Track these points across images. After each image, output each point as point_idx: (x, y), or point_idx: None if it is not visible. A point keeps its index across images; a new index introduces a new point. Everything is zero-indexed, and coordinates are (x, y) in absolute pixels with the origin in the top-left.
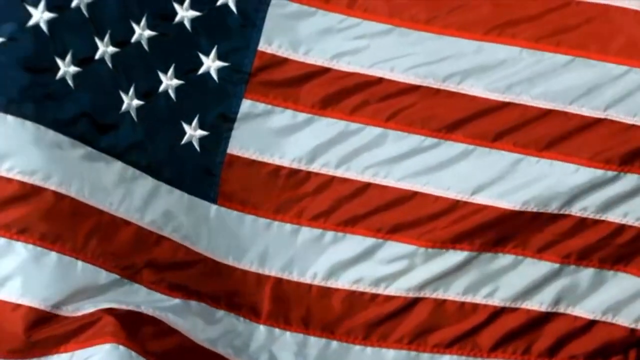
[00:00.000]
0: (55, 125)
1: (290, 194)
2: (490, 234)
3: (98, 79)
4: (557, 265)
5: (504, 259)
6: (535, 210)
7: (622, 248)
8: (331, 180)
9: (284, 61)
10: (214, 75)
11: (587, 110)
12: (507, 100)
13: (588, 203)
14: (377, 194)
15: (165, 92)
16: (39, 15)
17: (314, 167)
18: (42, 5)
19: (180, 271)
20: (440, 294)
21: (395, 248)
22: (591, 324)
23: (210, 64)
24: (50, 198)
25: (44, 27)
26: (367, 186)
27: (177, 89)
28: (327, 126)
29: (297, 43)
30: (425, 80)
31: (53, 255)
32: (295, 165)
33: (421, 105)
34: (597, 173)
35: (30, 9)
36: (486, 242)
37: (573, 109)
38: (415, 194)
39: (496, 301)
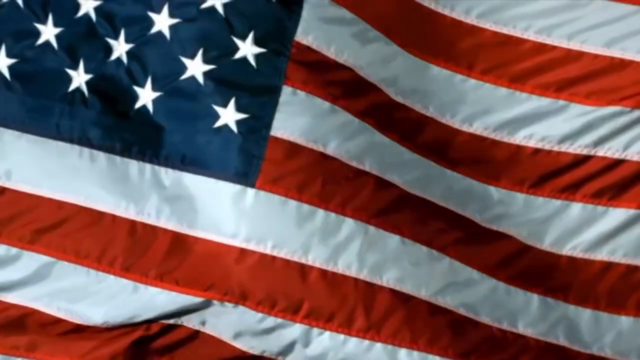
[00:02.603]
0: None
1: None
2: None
3: (111, 80)
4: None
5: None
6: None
7: (613, 287)
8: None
9: (318, 55)
10: (252, 62)
11: (575, 148)
12: (497, 138)
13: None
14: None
15: (192, 77)
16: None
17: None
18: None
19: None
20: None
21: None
22: None
23: (248, 49)
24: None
25: (53, 42)
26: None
27: (207, 74)
28: (359, 125)
29: (330, 41)
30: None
31: None
32: (337, 155)
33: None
34: (587, 208)
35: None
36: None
37: (563, 147)
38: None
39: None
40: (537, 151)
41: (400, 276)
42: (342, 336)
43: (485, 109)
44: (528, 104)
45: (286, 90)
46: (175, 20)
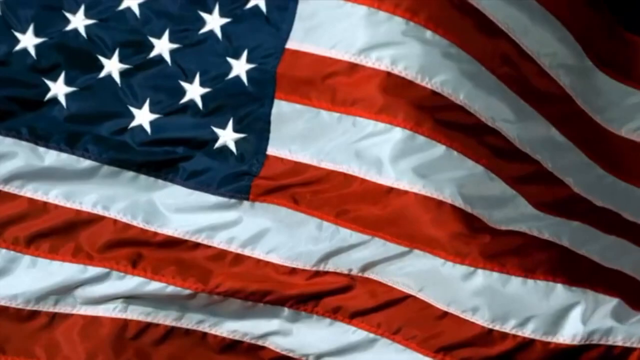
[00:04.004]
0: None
1: (325, 193)
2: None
3: (100, 96)
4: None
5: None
6: None
7: None
8: (361, 182)
9: (312, 58)
10: (244, 79)
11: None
12: None
13: None
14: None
15: (191, 101)
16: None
17: (346, 169)
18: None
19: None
20: (469, 316)
21: (424, 258)
22: (627, 351)
23: (241, 67)
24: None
25: (31, 51)
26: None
27: (205, 97)
28: (353, 125)
29: (326, 38)
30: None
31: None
32: (328, 166)
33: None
34: None
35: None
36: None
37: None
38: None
39: (527, 332)
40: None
41: None
42: None
43: None
44: None
45: (278, 104)
46: (176, 46)
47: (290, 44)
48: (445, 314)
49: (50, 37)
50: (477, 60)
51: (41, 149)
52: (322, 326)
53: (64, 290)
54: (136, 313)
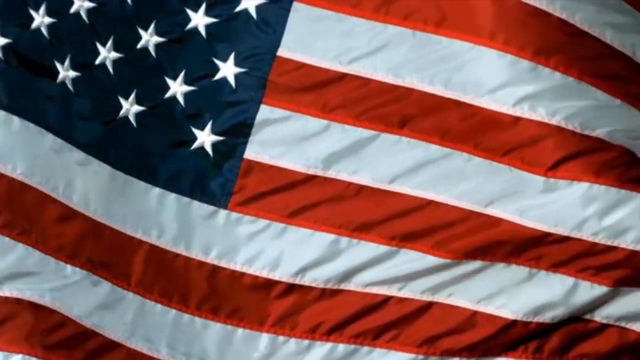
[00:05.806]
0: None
1: (306, 199)
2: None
3: (97, 84)
4: (571, 280)
5: (518, 271)
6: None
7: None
8: (347, 186)
9: (302, 67)
10: (232, 82)
11: None
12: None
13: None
14: (391, 202)
15: (173, 98)
16: (40, 20)
17: (330, 174)
18: (42, 9)
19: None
20: (453, 300)
21: (408, 256)
22: (603, 327)
23: (228, 70)
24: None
25: (44, 31)
26: (383, 193)
27: (187, 95)
28: (342, 133)
29: (317, 48)
30: (441, 89)
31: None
32: (312, 172)
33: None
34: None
35: (32, 12)
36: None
37: None
38: (429, 202)
39: (508, 314)
40: None
41: None
42: None
43: None
44: None
45: (263, 109)
46: (161, 39)
47: (282, 52)
48: (430, 304)
49: (59, 18)
50: None
51: (50, 136)
52: (301, 350)
53: (82, 304)
54: (140, 343)
